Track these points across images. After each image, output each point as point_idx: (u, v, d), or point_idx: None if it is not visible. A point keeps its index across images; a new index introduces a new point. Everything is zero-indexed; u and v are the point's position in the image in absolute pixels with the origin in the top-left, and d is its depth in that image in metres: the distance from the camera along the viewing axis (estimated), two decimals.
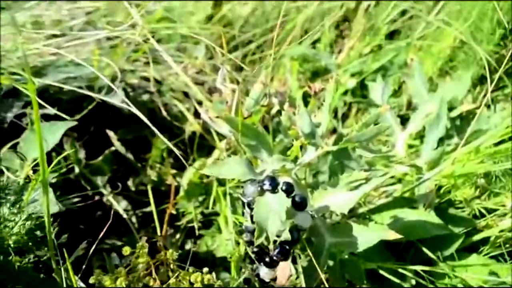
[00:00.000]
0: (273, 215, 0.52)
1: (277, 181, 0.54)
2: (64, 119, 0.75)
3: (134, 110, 0.64)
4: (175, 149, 0.66)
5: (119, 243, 0.82)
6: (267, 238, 0.52)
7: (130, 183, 0.87)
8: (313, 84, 0.70)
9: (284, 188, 0.54)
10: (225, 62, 1.07)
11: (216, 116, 0.59)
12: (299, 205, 0.55)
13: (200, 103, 0.97)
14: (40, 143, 0.44)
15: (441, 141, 0.85)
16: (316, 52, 1.08)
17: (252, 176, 0.54)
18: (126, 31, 0.70)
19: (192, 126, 0.89)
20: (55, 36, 0.96)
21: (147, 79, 1.01)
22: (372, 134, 0.55)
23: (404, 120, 0.94)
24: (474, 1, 0.94)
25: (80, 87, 0.87)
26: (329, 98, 0.60)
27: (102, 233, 0.58)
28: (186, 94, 1.02)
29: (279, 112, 0.76)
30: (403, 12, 1.06)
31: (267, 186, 0.53)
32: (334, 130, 1.03)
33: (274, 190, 0.53)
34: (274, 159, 0.58)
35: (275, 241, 0.56)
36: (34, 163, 0.61)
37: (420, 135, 0.92)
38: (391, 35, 1.09)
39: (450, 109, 0.90)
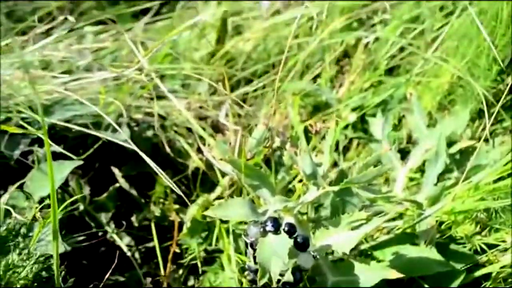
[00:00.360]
0: (276, 256, 0.53)
1: (280, 223, 0.55)
2: (70, 158, 0.77)
3: (139, 151, 0.65)
4: (176, 189, 0.67)
5: (122, 279, 0.83)
6: (270, 279, 0.53)
7: (133, 218, 0.88)
8: (314, 123, 0.72)
9: (286, 229, 0.55)
10: (228, 97, 1.10)
11: (220, 158, 0.60)
12: (302, 246, 0.56)
13: (202, 137, 0.99)
14: (52, 191, 0.45)
15: (441, 175, 0.86)
16: (317, 87, 1.10)
17: (255, 218, 0.55)
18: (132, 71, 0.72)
19: (195, 162, 0.90)
20: (62, 73, 0.99)
21: (151, 114, 1.03)
22: (372, 176, 0.56)
23: (404, 153, 0.95)
24: (470, 38, 0.96)
25: (86, 125, 0.89)
26: (330, 139, 0.61)
27: (108, 274, 0.59)
28: (189, 129, 1.04)
29: (280, 148, 0.77)
30: (402, 48, 1.09)
31: (269, 227, 0.54)
32: (335, 164, 1.05)
33: (276, 231, 0.54)
34: (276, 200, 0.59)
35: (278, 281, 0.57)
36: (42, 205, 0.63)
37: (421, 169, 0.93)
38: (391, 70, 1.12)
39: (450, 143, 0.92)
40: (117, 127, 0.75)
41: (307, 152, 0.58)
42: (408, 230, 0.76)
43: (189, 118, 0.85)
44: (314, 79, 1.14)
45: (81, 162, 0.73)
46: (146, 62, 0.69)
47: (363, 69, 1.10)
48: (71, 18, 1.19)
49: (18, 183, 0.71)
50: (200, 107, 1.08)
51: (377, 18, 1.06)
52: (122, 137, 0.83)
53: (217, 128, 1.08)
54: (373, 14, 1.07)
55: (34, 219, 0.62)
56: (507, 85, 0.99)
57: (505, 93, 0.84)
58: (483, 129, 1.00)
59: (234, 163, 0.57)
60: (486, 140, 0.94)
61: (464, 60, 0.97)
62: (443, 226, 0.77)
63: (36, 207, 0.60)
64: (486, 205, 0.72)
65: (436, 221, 0.75)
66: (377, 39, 1.10)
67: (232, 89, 1.17)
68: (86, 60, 1.03)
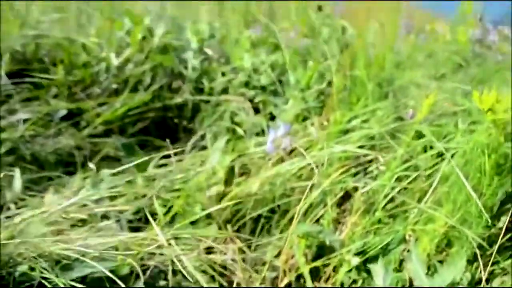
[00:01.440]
0: None
1: None
2: None
3: None
4: None
5: None
6: None
7: None
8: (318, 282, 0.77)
9: None
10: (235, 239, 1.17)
11: None
12: None
13: None
14: None
15: None
16: (321, 229, 1.16)
17: None
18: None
19: None
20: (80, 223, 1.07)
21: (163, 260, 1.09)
22: None
23: None
24: (460, 187, 1.04)
25: (102, 279, 0.95)
26: None
27: None
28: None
29: None
30: (399, 191, 1.16)
31: None
32: None
33: None
34: None
35: None
36: None
37: None
38: (390, 211, 1.18)
39: None
40: None
41: None
42: None
43: (198, 278, 0.89)
44: (318, 220, 1.21)
45: None
46: (164, 237, 0.76)
47: (364, 210, 1.17)
48: (92, 165, 1.30)
49: None
50: (209, 252, 1.14)
51: (372, 167, 1.15)
52: None
53: (225, 269, 1.13)
54: (369, 164, 1.16)
55: None
56: (499, 228, 1.05)
57: (500, 238, 0.91)
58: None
59: None
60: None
61: (456, 207, 1.04)
62: None
63: None
64: None
65: None
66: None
67: (239, 229, 1.24)
68: (109, 221, 1.12)
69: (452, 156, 1.07)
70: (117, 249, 0.95)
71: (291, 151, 1.31)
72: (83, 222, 1.08)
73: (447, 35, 2.41)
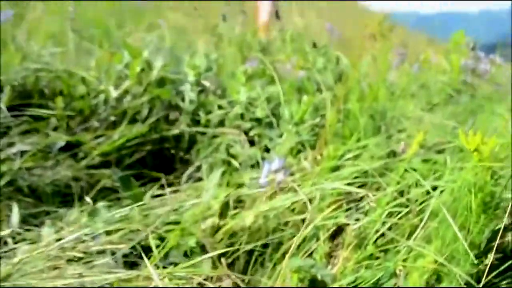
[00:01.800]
0: None
1: None
2: None
3: None
4: None
5: None
6: None
7: None
8: None
9: None
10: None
11: None
12: None
13: None
14: None
15: None
16: (313, 263, 1.18)
17: None
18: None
19: None
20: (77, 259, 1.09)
21: None
22: None
23: None
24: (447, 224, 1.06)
25: None
26: None
27: None
28: None
29: None
30: (390, 227, 1.19)
31: None
32: None
33: None
34: None
35: None
36: None
37: None
38: (381, 246, 1.20)
39: None
40: None
41: None
42: None
43: None
44: (311, 254, 1.22)
45: None
46: (157, 277, 0.78)
47: (355, 245, 1.19)
48: (88, 199, 1.33)
49: None
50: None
51: (363, 203, 1.17)
52: None
53: None
54: (361, 199, 1.19)
55: None
56: (486, 265, 1.07)
57: (485, 275, 0.93)
58: None
59: None
60: None
61: (445, 243, 1.07)
62: None
63: None
64: None
65: None
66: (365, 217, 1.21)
67: (233, 262, 1.26)
68: (99, 242, 1.14)
69: (442, 192, 1.09)
70: (112, 286, 0.97)
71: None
72: (80, 257, 1.10)
73: (441, 64, 2.45)
